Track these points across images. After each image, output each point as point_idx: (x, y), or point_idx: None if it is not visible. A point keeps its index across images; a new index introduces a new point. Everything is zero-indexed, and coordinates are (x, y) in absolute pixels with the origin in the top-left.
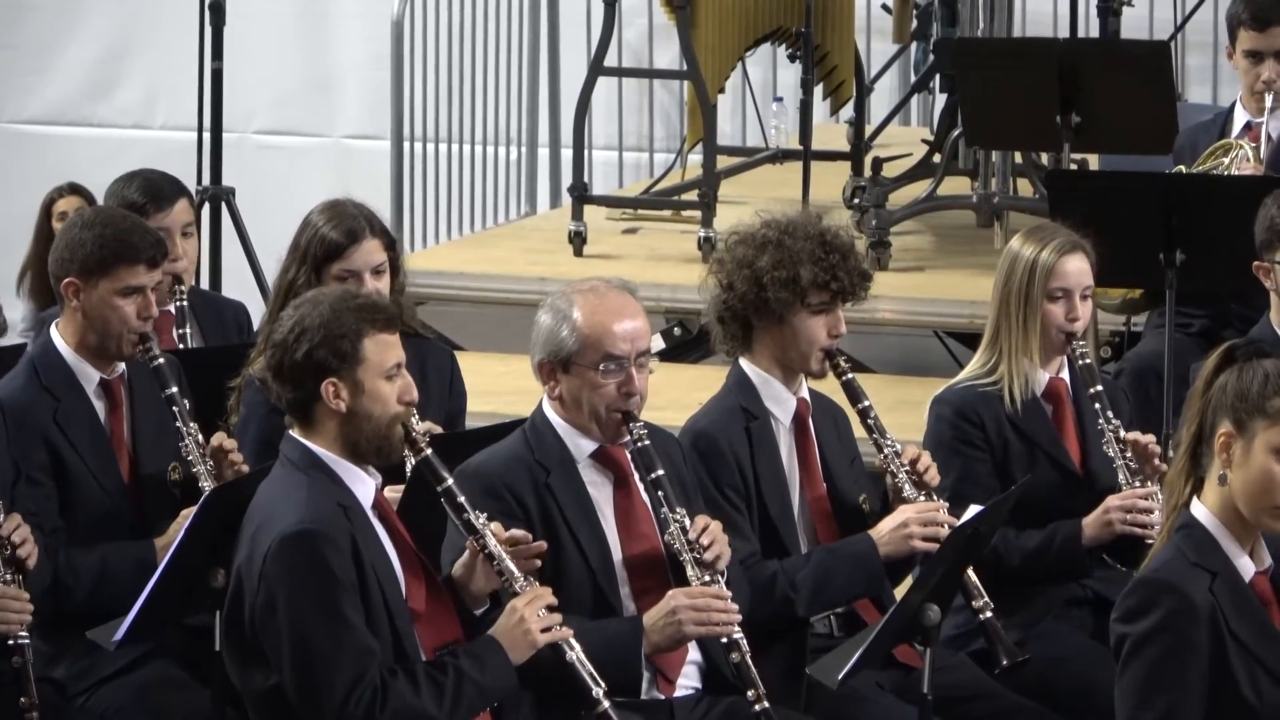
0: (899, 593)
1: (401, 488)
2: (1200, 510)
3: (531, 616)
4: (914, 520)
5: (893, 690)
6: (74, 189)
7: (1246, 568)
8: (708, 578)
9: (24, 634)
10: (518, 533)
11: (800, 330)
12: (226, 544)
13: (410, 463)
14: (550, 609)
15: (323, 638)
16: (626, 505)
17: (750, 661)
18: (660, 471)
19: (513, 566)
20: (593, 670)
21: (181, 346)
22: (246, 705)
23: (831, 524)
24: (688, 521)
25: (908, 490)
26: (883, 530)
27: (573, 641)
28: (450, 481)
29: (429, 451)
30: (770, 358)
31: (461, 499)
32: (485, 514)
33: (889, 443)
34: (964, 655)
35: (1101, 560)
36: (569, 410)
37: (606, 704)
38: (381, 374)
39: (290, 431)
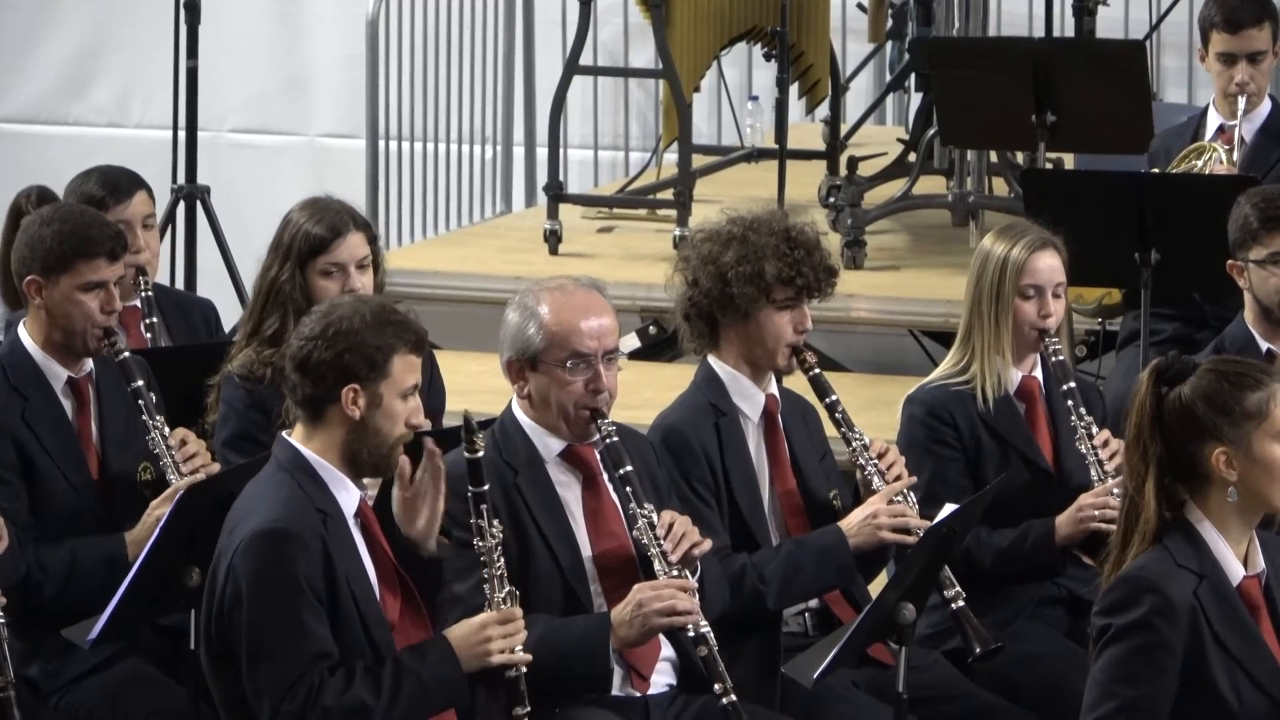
0: (873, 590)
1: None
2: (1195, 515)
3: (498, 642)
4: (883, 511)
5: (868, 689)
6: (43, 198)
7: (1236, 572)
8: (675, 572)
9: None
10: None
11: (766, 326)
12: (202, 542)
13: None
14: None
15: (274, 636)
16: (595, 504)
17: (718, 655)
18: (629, 467)
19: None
20: (525, 690)
21: (149, 337)
22: (217, 702)
23: (802, 519)
24: (655, 516)
25: (877, 483)
26: (852, 522)
27: (524, 658)
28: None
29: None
30: (737, 354)
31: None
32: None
33: (856, 436)
34: (939, 654)
35: (1076, 559)
36: (537, 409)
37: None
38: (400, 393)
39: (284, 433)
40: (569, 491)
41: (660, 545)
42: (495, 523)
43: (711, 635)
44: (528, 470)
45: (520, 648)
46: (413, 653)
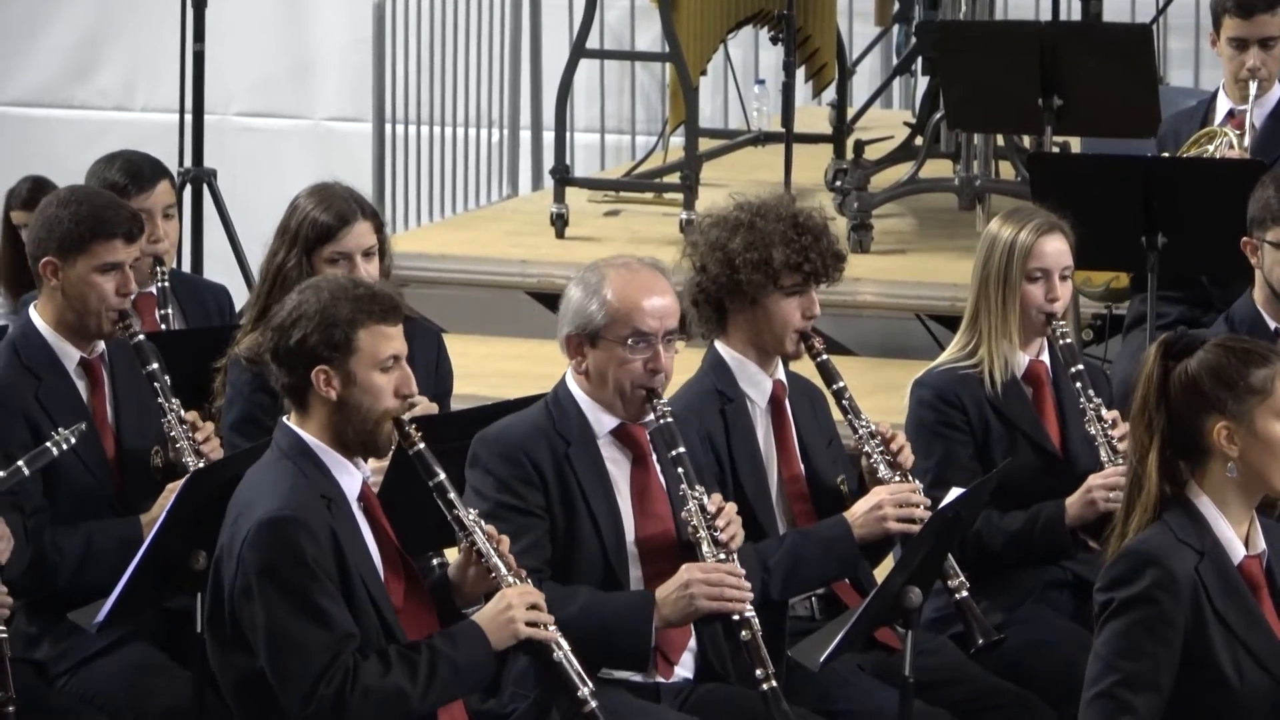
0: (879, 574)
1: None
2: (1195, 492)
3: (519, 606)
4: (888, 502)
5: (874, 673)
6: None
7: (1237, 550)
8: (722, 556)
9: (1, 627)
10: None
11: (773, 312)
12: (208, 526)
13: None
14: (539, 608)
15: (293, 624)
16: (643, 484)
17: (761, 640)
18: (682, 449)
19: (501, 564)
20: (580, 670)
21: (164, 328)
22: (223, 689)
23: (808, 505)
24: (706, 500)
25: (883, 471)
26: (857, 512)
27: (561, 641)
28: (442, 477)
29: (422, 446)
30: (744, 340)
31: (453, 495)
32: (476, 511)
33: (863, 423)
34: (945, 638)
35: (1085, 543)
36: (593, 385)
37: (594, 704)
38: (375, 365)
39: (284, 418)
40: (618, 469)
41: (710, 528)
42: (473, 512)
43: (756, 620)
44: (580, 444)
45: (552, 624)
46: (445, 638)
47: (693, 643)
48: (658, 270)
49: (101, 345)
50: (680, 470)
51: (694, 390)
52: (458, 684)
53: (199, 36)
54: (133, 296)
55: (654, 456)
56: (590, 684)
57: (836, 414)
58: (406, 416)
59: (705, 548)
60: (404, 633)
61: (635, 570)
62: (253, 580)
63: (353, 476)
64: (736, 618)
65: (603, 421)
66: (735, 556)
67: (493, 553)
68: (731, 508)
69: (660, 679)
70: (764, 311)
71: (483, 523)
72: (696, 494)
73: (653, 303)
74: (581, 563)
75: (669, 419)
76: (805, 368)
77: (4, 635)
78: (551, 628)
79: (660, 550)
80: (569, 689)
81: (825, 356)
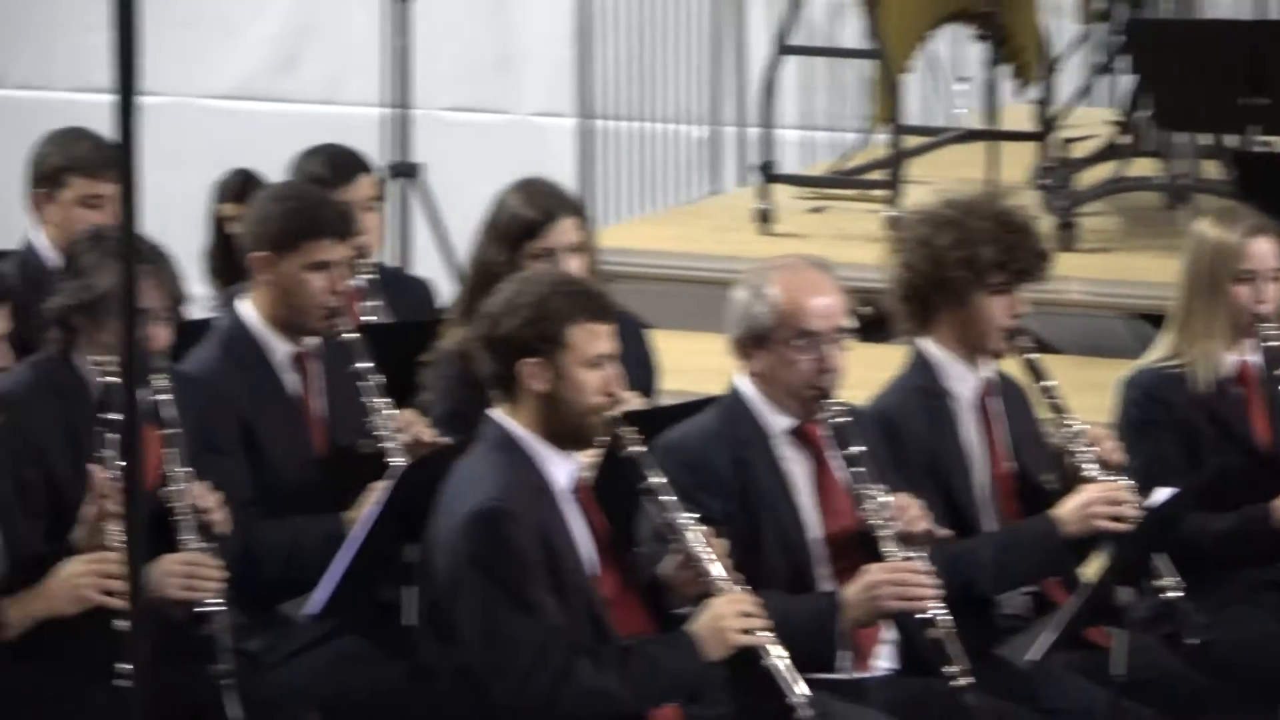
0: (1087, 572)
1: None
2: None
3: (730, 615)
4: (1098, 500)
5: (1082, 672)
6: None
7: None
8: (906, 553)
9: (217, 601)
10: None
11: (980, 310)
12: (419, 519)
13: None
14: (751, 614)
15: (504, 617)
16: (824, 482)
17: (950, 637)
18: (859, 447)
19: (714, 570)
20: (794, 674)
21: (365, 320)
22: (433, 680)
23: (1015, 503)
24: (886, 497)
25: (1090, 469)
26: (1065, 510)
27: (773, 646)
28: (656, 480)
29: (636, 449)
30: (951, 337)
31: (666, 498)
32: (694, 515)
33: (1071, 422)
34: (1153, 638)
35: None
36: (766, 386)
37: (811, 713)
38: (584, 362)
39: (491, 410)
40: (797, 468)
41: (891, 526)
42: (687, 516)
43: (944, 617)
44: (757, 446)
45: (764, 629)
46: (660, 644)
47: (893, 634)
48: (823, 269)
49: (313, 340)
50: (859, 469)
51: (900, 387)
52: (668, 690)
53: (404, 30)
54: (343, 294)
55: (833, 453)
56: (802, 690)
57: (1042, 412)
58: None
59: (888, 545)
60: (614, 626)
61: (823, 569)
62: (463, 572)
63: (561, 468)
64: (923, 616)
65: (778, 422)
66: (922, 553)
67: (706, 557)
68: (914, 503)
69: (857, 675)
70: (970, 309)
71: (697, 527)
72: (875, 492)
73: (818, 302)
74: (764, 564)
75: (843, 418)
76: (1011, 365)
77: (223, 608)
78: (763, 633)
79: (847, 546)
80: (780, 695)
81: (1033, 354)
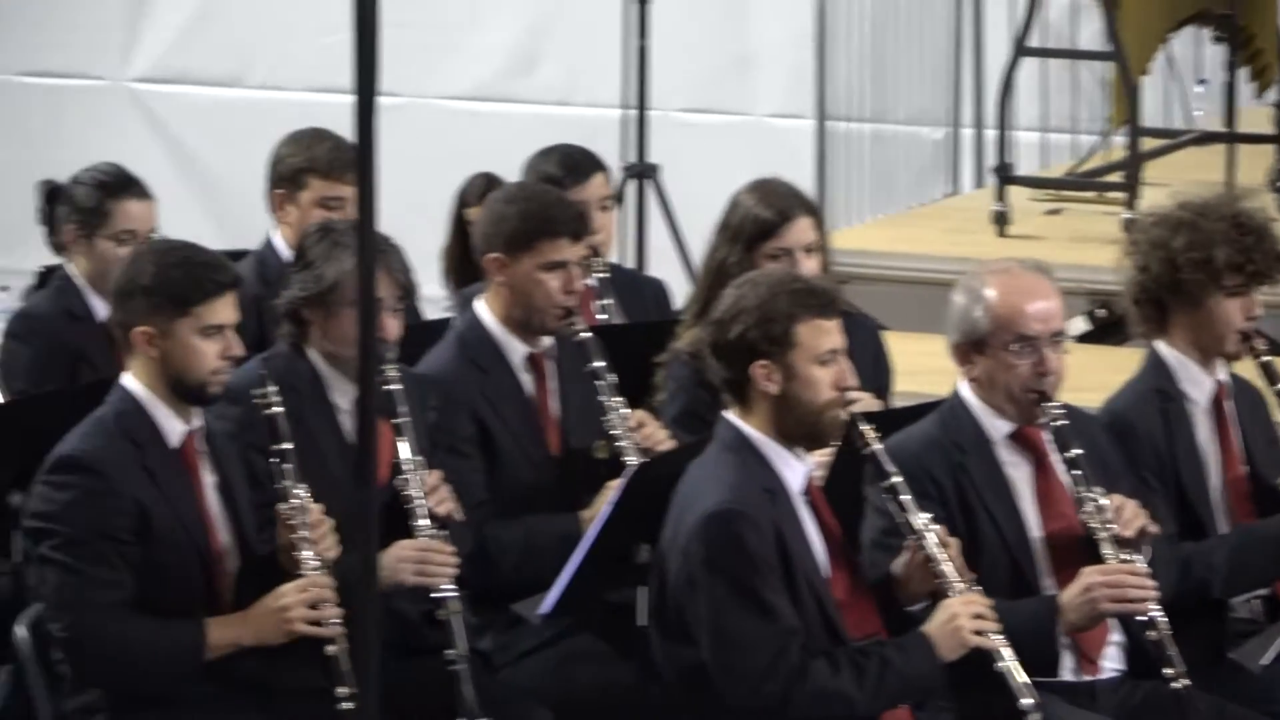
0: None
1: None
2: None
3: (965, 617)
4: None
5: None
6: (486, 194)
7: None
8: (1125, 556)
9: (450, 587)
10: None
11: (1215, 312)
12: (651, 519)
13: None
14: (984, 615)
15: (738, 618)
16: (1045, 486)
17: (1169, 640)
18: (1077, 451)
19: (949, 569)
20: (1025, 679)
21: (605, 319)
22: (670, 680)
23: (1250, 506)
24: (1103, 500)
25: None
26: None
27: (1005, 649)
28: (897, 478)
29: (877, 447)
30: (1186, 340)
31: (905, 497)
32: (929, 515)
33: None
34: None
35: None
36: (985, 391)
37: (1039, 716)
38: (814, 359)
39: (725, 412)
40: (1018, 472)
41: (1109, 529)
42: (925, 516)
43: (1162, 619)
44: (975, 451)
45: (997, 632)
46: (895, 647)
47: (1121, 636)
48: (1040, 272)
49: (547, 340)
50: (1076, 472)
51: (1135, 389)
52: (903, 693)
53: (642, 32)
54: (578, 294)
55: (1054, 457)
56: (1034, 695)
57: (1278, 415)
58: (858, 412)
59: (1106, 548)
60: (846, 627)
61: (1045, 573)
62: (697, 573)
63: (795, 470)
64: (1142, 617)
65: (998, 426)
66: (1140, 556)
67: (942, 558)
68: (1130, 504)
69: (1085, 677)
70: (1205, 312)
71: (934, 526)
72: (1093, 495)
73: (1036, 306)
74: (987, 567)
75: (1061, 421)
76: (1246, 368)
77: (455, 593)
78: (996, 636)
79: (1069, 549)
80: (1008, 697)
81: (1268, 357)
